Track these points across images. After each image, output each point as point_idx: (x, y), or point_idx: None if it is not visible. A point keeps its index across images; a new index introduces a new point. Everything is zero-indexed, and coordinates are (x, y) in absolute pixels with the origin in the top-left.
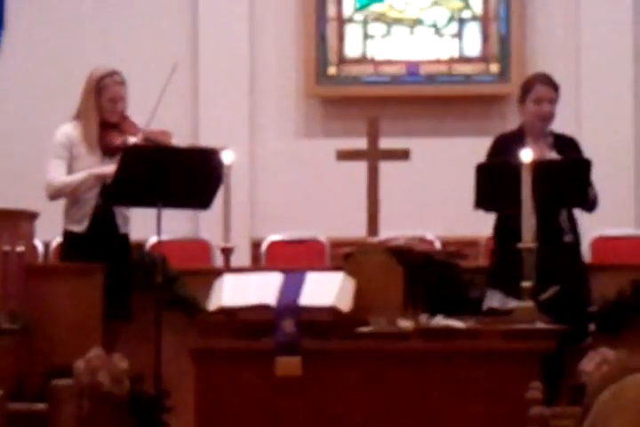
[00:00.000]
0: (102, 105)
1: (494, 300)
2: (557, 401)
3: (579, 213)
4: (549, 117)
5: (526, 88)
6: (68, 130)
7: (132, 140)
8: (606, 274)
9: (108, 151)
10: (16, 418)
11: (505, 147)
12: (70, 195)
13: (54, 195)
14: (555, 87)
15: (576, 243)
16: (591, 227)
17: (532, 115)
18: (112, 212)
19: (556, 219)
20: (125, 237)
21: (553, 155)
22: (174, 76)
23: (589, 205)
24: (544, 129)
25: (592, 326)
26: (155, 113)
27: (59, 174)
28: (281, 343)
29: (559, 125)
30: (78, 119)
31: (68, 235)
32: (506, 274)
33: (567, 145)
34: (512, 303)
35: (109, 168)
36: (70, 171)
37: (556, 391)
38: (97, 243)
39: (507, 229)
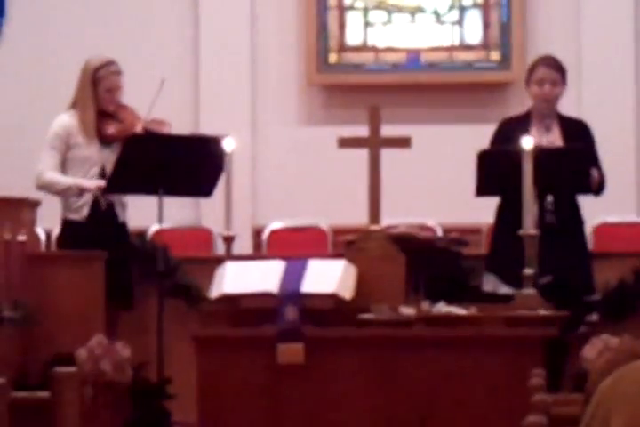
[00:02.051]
0: (99, 95)
1: (489, 283)
2: (560, 388)
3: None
4: (551, 99)
5: (530, 70)
6: (66, 120)
7: (128, 129)
8: (608, 261)
9: (104, 141)
10: (19, 406)
11: (509, 130)
12: (52, 194)
13: (40, 188)
14: (559, 69)
15: (572, 228)
16: (593, 214)
17: (535, 96)
18: (111, 200)
19: (541, 203)
20: (124, 225)
21: (544, 139)
22: (176, 63)
23: (596, 189)
24: (548, 111)
25: (594, 316)
26: (146, 116)
27: (49, 166)
28: (283, 331)
29: (561, 110)
30: (74, 108)
31: (67, 223)
32: (502, 259)
33: (575, 128)
34: (504, 289)
35: (94, 183)
36: (67, 160)
37: (557, 378)
38: (97, 231)
39: (507, 215)
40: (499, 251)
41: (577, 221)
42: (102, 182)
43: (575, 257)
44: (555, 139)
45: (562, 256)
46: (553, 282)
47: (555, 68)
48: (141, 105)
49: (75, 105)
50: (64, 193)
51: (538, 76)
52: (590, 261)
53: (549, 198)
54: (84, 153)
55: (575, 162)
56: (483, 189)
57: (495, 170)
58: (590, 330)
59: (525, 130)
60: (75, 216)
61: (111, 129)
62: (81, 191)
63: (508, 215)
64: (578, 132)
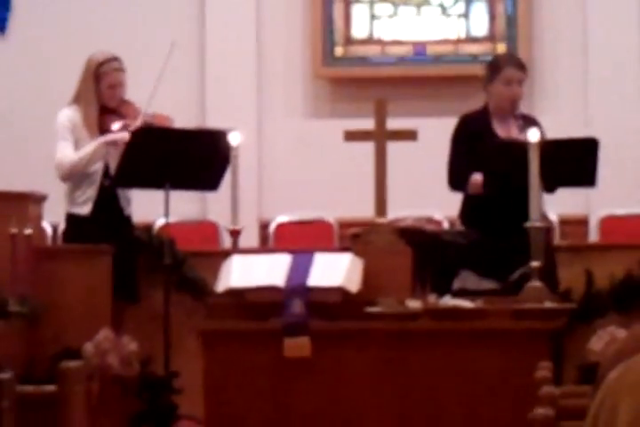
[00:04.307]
0: (101, 91)
1: (468, 281)
2: (559, 380)
3: (582, 192)
4: (518, 99)
5: (495, 69)
6: (70, 113)
7: (130, 124)
8: (614, 253)
9: None
10: (25, 400)
11: (473, 127)
12: (84, 168)
13: (68, 173)
14: (524, 68)
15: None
16: (600, 206)
17: (501, 96)
18: (116, 194)
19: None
20: (129, 218)
21: (523, 137)
22: (181, 58)
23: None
24: (513, 110)
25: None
26: (156, 92)
27: (68, 154)
28: (289, 324)
29: (566, 104)
30: (77, 103)
31: (71, 218)
32: (480, 254)
33: (530, 125)
34: (487, 284)
35: (120, 134)
36: None
37: (557, 370)
38: (102, 225)
39: (475, 211)
40: (477, 246)
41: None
42: (127, 136)
43: (546, 251)
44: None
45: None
46: (527, 275)
47: (521, 68)
48: (146, 99)
49: (77, 100)
50: (93, 160)
51: (506, 75)
52: (554, 256)
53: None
54: None
55: (585, 153)
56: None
57: (496, 166)
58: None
59: (488, 127)
60: (79, 210)
61: (116, 125)
62: (108, 146)
63: (484, 210)
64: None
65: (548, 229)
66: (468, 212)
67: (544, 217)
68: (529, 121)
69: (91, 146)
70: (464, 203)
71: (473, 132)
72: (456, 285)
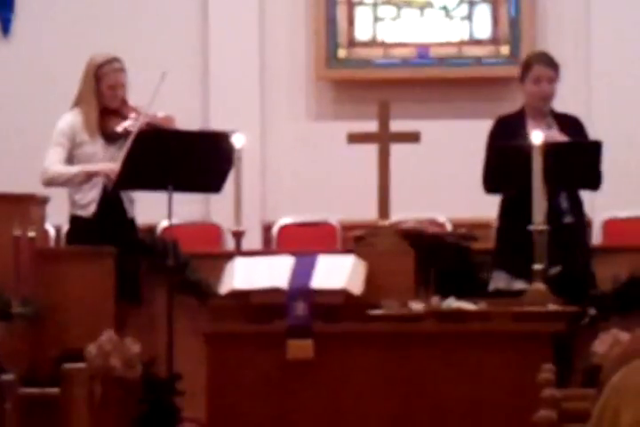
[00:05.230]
0: (102, 92)
1: (500, 281)
2: (568, 382)
3: (585, 194)
4: (548, 97)
5: (525, 68)
6: (71, 118)
7: (133, 125)
8: (618, 256)
9: (109, 137)
10: (28, 402)
11: (506, 127)
12: (61, 186)
13: (47, 182)
14: (554, 66)
15: (577, 224)
16: (603, 208)
17: (531, 94)
18: (119, 196)
19: (555, 200)
20: (132, 220)
21: (554, 133)
22: (185, 59)
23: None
24: (543, 108)
25: (592, 310)
26: (147, 111)
27: (55, 162)
28: (292, 326)
29: (570, 106)
30: (78, 106)
31: (75, 220)
32: (511, 255)
33: (569, 124)
34: (519, 284)
35: (102, 166)
36: (73, 158)
37: (565, 372)
38: (105, 227)
39: (512, 210)
40: (509, 246)
41: (580, 215)
42: (114, 166)
43: (577, 251)
44: (556, 135)
45: (567, 250)
46: (558, 275)
47: (551, 66)
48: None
49: (78, 102)
50: (71, 181)
51: (535, 74)
52: (590, 255)
53: (563, 196)
54: (89, 150)
55: (586, 155)
56: (496, 185)
57: (510, 166)
58: (591, 323)
59: (522, 127)
60: (82, 213)
61: (118, 126)
62: (89, 177)
63: (518, 210)
64: (574, 128)
65: (585, 227)
66: (506, 211)
67: (582, 214)
68: (563, 119)
69: (74, 168)
70: (503, 200)
71: (507, 134)
72: (491, 286)
